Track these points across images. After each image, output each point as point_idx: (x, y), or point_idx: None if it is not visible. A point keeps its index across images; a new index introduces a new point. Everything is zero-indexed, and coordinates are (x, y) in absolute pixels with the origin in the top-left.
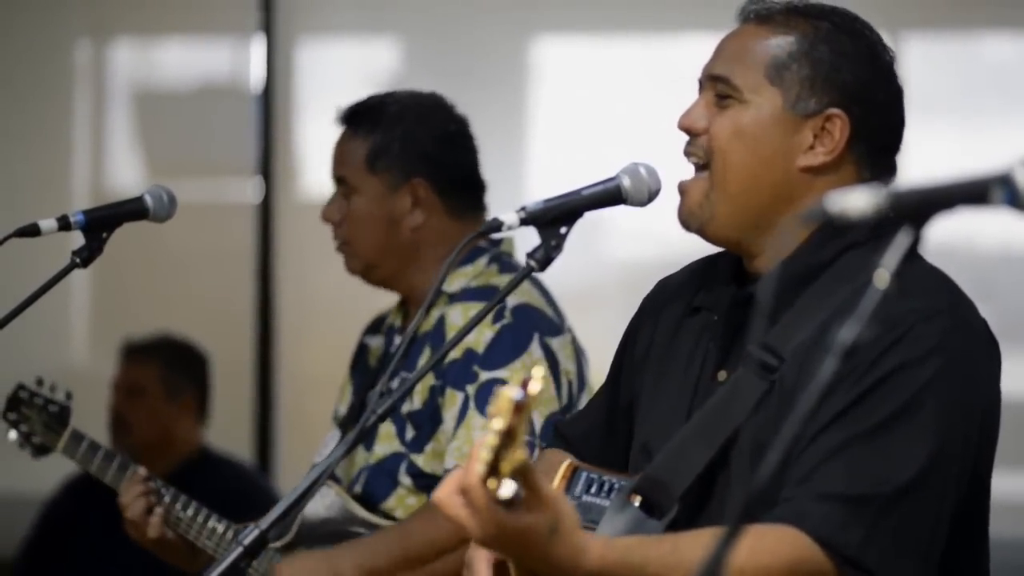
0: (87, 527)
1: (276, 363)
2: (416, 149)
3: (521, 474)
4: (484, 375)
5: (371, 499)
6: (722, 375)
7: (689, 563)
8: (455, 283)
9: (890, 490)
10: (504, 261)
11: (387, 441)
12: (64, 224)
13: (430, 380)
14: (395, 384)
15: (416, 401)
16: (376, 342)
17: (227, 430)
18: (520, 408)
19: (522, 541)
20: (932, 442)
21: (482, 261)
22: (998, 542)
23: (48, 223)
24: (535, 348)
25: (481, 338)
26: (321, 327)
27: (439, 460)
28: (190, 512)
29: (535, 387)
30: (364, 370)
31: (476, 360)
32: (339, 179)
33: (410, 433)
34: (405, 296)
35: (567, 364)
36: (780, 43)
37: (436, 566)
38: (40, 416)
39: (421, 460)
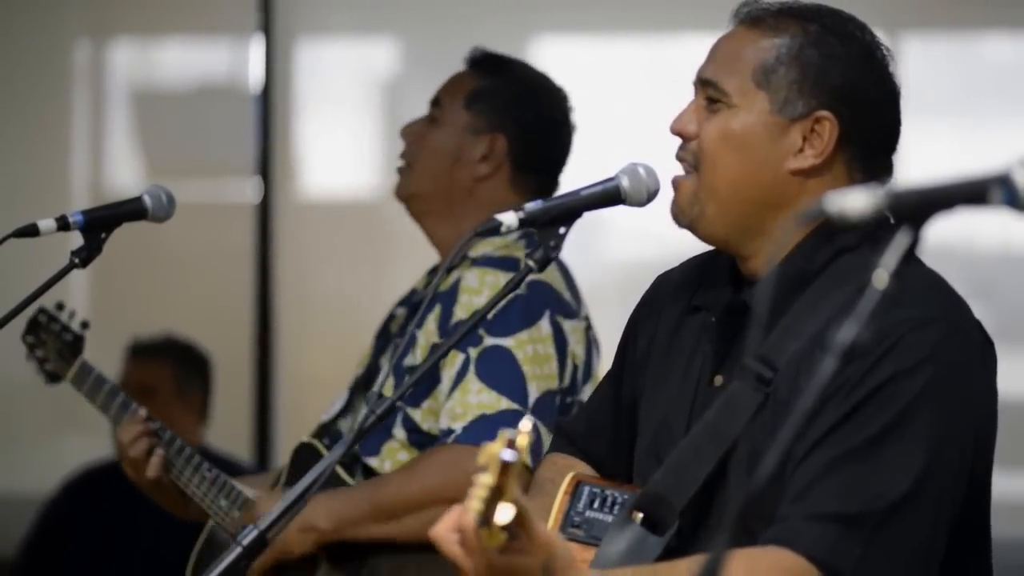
0: (86, 528)
1: (275, 363)
2: (514, 111)
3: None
4: (488, 340)
5: (361, 450)
6: (718, 380)
7: None
8: (479, 249)
9: (884, 505)
10: (533, 239)
11: (387, 392)
12: (63, 224)
13: (433, 337)
14: (404, 339)
15: (418, 355)
16: (401, 311)
17: (226, 430)
18: (507, 468)
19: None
20: (926, 454)
21: (513, 235)
22: (998, 542)
23: (47, 223)
24: (544, 323)
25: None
26: (320, 327)
27: (435, 417)
28: (184, 458)
29: (523, 441)
30: (386, 336)
31: (483, 323)
32: (434, 101)
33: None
34: (433, 242)
35: (576, 347)
36: (768, 46)
37: (409, 521)
38: (55, 343)
39: (418, 415)
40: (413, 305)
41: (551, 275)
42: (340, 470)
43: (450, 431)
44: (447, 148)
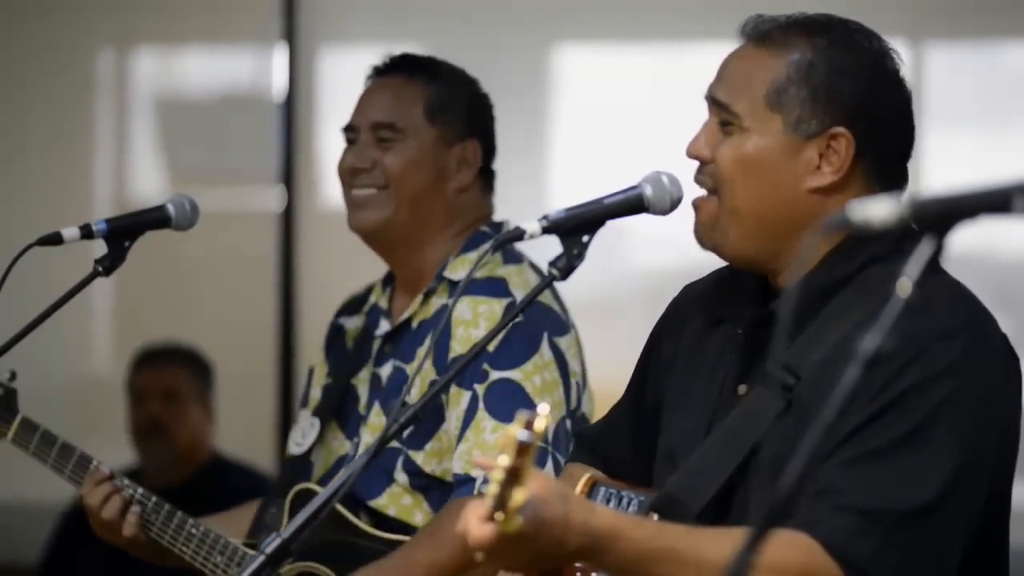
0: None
1: (298, 372)
2: (478, 111)
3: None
4: (495, 374)
5: (360, 495)
6: (742, 389)
7: (700, 556)
8: (458, 271)
9: (904, 509)
10: (507, 250)
11: (376, 433)
12: (87, 233)
13: (431, 374)
14: (386, 369)
15: (415, 395)
16: (353, 323)
17: (248, 439)
18: (525, 449)
19: (540, 530)
20: (948, 465)
21: (485, 248)
22: (1016, 551)
23: (71, 232)
24: (545, 349)
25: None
26: None
27: (438, 459)
28: (164, 515)
29: (540, 424)
30: (340, 352)
31: (485, 358)
32: (379, 124)
33: (408, 428)
34: (397, 269)
35: (574, 365)
36: (778, 65)
37: None
38: None
39: (420, 458)
40: (374, 318)
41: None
42: (343, 509)
43: (468, 479)
44: (427, 164)
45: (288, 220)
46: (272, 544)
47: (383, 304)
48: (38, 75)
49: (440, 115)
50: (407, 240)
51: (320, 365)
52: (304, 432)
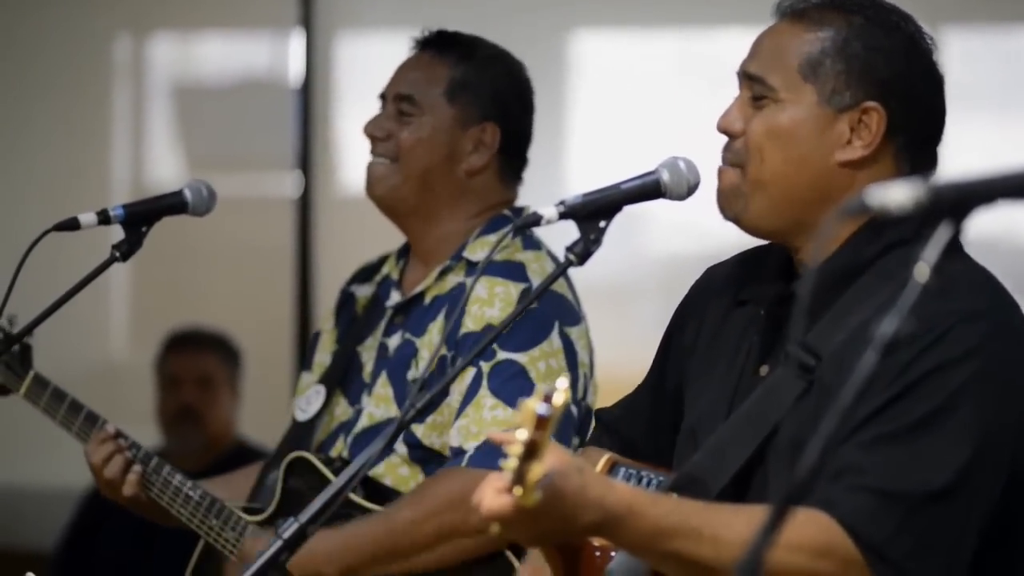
0: (124, 520)
1: None
2: (501, 97)
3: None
4: (501, 354)
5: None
6: (764, 370)
7: (716, 535)
8: (478, 252)
9: (923, 492)
10: (527, 236)
11: (383, 404)
12: (104, 218)
13: (441, 350)
14: (395, 340)
15: (421, 367)
16: (364, 292)
17: (265, 425)
18: (544, 422)
19: (556, 503)
20: (968, 448)
21: (505, 231)
22: None
23: (88, 217)
24: (555, 336)
25: (504, 316)
26: None
27: (438, 433)
28: (164, 477)
29: (559, 399)
30: (349, 319)
31: (497, 337)
32: (401, 96)
33: (426, 412)
34: (412, 242)
35: (583, 355)
36: (813, 39)
37: (422, 558)
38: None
39: (421, 431)
40: (385, 289)
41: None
42: (333, 477)
43: (461, 451)
44: (440, 142)
45: (305, 206)
46: (289, 529)
47: (394, 275)
48: (55, 61)
49: (461, 95)
50: (417, 213)
51: (329, 332)
52: (309, 399)
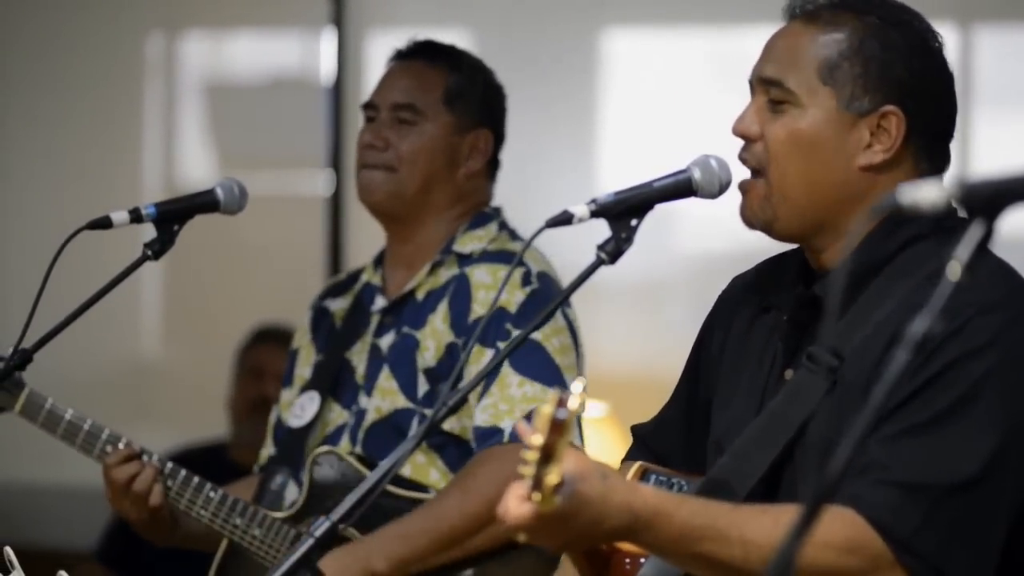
0: None
1: None
2: (493, 102)
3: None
4: (517, 334)
5: (374, 457)
6: (789, 374)
7: (745, 536)
8: (468, 245)
9: (948, 483)
10: (511, 230)
11: (389, 396)
12: (136, 217)
13: (448, 337)
14: (388, 339)
15: (429, 356)
16: (338, 305)
17: None
18: (559, 426)
19: (580, 509)
20: (993, 438)
21: (492, 226)
22: None
23: (120, 216)
24: (560, 316)
25: (512, 299)
26: None
27: (456, 417)
28: (180, 481)
29: (574, 403)
30: (328, 331)
31: (508, 318)
32: (400, 105)
33: (423, 388)
34: (399, 245)
35: (579, 337)
36: (829, 41)
37: (474, 542)
38: None
39: None
40: (369, 294)
41: (548, 266)
42: (363, 468)
43: (496, 430)
44: (440, 148)
45: (336, 204)
46: (321, 527)
47: (376, 282)
48: (87, 59)
49: (457, 102)
50: (411, 217)
51: (306, 347)
52: (303, 406)
